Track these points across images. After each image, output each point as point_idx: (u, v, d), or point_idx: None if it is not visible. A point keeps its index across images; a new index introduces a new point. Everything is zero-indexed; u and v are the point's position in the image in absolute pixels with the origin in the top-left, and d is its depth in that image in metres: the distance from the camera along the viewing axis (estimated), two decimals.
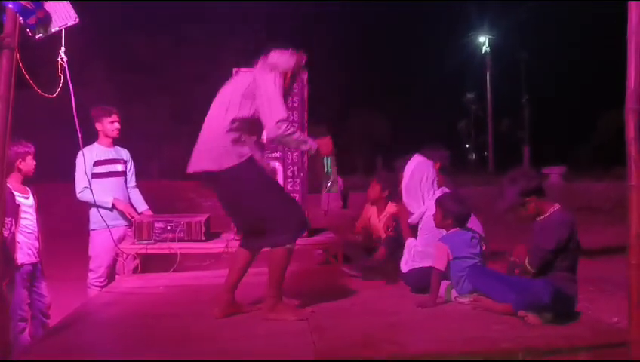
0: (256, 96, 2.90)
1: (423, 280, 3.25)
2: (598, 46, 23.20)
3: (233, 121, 2.89)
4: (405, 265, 3.53)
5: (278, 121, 2.81)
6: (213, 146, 2.92)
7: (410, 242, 3.60)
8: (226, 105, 2.96)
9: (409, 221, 3.65)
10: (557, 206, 2.93)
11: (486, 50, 28.95)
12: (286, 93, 3.10)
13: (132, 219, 4.49)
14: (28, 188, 3.90)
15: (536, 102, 27.40)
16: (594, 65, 25.18)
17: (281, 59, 3.02)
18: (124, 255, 4.24)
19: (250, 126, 2.93)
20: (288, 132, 2.85)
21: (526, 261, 2.86)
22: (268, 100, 2.86)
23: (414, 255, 3.49)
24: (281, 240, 2.86)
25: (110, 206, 4.45)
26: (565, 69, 26.60)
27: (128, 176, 4.74)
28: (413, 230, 3.67)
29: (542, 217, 2.94)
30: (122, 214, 4.55)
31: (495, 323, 2.73)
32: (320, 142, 3.08)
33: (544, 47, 26.69)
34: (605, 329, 2.72)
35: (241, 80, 3.06)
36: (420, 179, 3.57)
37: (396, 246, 3.87)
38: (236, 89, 2.99)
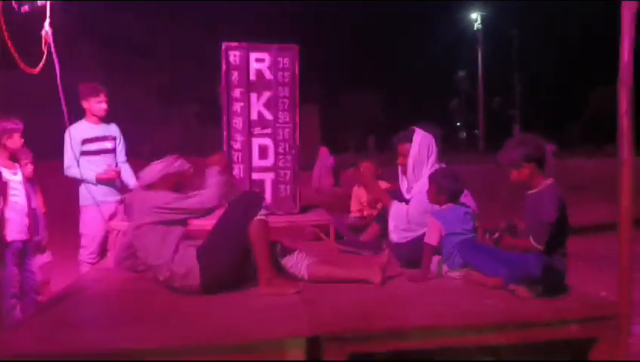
0: None
1: (417, 253, 3.26)
2: (590, 22, 23.16)
3: None
4: (396, 234, 3.53)
5: None
6: None
7: (399, 208, 3.58)
8: None
9: (408, 196, 3.65)
10: (550, 180, 2.93)
11: (478, 28, 28.78)
12: None
13: (123, 196, 4.46)
14: (16, 164, 3.86)
15: (528, 80, 27.40)
16: (586, 42, 25.15)
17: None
18: (115, 231, 4.22)
19: None
20: None
21: (531, 240, 2.83)
22: None
23: (409, 222, 3.49)
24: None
25: (94, 181, 4.42)
26: (557, 45, 26.58)
27: (118, 151, 4.70)
28: None
29: (534, 191, 2.93)
30: (112, 190, 4.52)
31: (486, 297, 2.74)
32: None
33: (536, 23, 26.60)
34: (594, 302, 2.75)
35: None
36: (427, 152, 3.58)
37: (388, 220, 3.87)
38: None
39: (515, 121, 26.26)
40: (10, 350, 2.22)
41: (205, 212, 3.07)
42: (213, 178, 3.17)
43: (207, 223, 3.18)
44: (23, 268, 3.83)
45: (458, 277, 3.07)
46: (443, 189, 3.26)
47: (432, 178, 3.32)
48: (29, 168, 4.14)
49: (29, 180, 4.15)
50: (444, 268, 3.16)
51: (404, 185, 3.75)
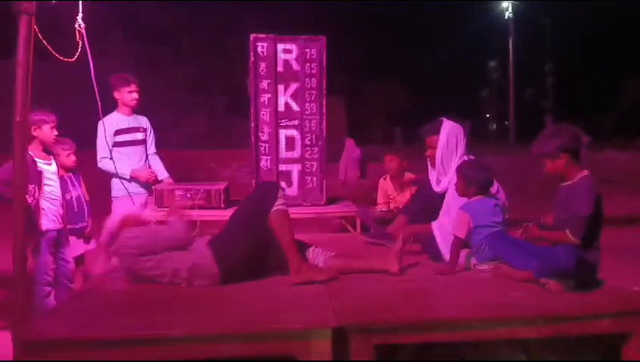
0: None
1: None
2: (625, 10, 22.47)
3: None
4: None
5: None
6: None
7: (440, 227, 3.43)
8: None
9: (438, 189, 3.60)
10: (586, 172, 2.86)
11: (509, 16, 28.19)
12: None
13: (153, 186, 4.54)
14: (50, 156, 3.95)
15: (561, 71, 26.77)
16: (619, 32, 24.44)
17: None
18: (149, 222, 4.29)
19: None
20: None
21: (568, 233, 2.77)
22: None
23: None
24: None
25: (129, 177, 4.50)
26: (590, 35, 25.88)
27: (148, 143, 4.79)
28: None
29: (569, 183, 2.86)
30: (143, 183, 4.61)
31: (515, 290, 2.70)
32: None
33: (569, 13, 25.91)
34: (628, 296, 2.68)
35: None
36: (455, 143, 3.52)
37: (415, 213, 3.84)
38: None
39: (546, 112, 25.73)
40: (43, 336, 2.29)
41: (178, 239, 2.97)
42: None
43: (227, 213, 3.19)
44: (57, 257, 3.94)
45: (487, 270, 3.03)
46: (471, 181, 3.20)
47: (459, 170, 3.27)
48: (72, 159, 4.25)
49: (71, 170, 4.27)
50: (473, 260, 3.12)
51: (433, 177, 3.70)
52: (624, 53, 24.38)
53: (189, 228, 3.19)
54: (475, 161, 3.40)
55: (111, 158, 4.34)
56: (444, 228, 3.34)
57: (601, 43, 25.86)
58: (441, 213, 3.48)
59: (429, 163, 3.73)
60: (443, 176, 3.57)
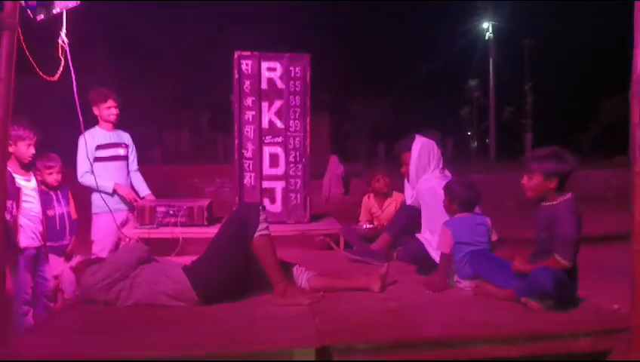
0: None
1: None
2: (602, 31, 23.05)
3: None
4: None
5: None
6: None
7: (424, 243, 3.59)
8: None
9: (410, 203, 3.66)
10: (569, 195, 2.88)
11: (489, 37, 28.73)
12: None
13: (134, 204, 4.50)
14: (30, 172, 3.89)
15: (539, 90, 27.28)
16: (598, 52, 25.02)
17: None
18: (127, 239, 4.25)
19: None
20: None
21: (557, 258, 2.77)
22: None
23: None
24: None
25: (111, 191, 4.47)
26: (568, 56, 26.46)
27: (130, 160, 4.76)
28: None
29: (550, 203, 2.88)
30: (124, 199, 4.57)
31: (496, 308, 2.73)
32: None
33: (548, 34, 26.52)
34: (607, 315, 2.73)
35: None
36: (427, 158, 3.58)
37: (399, 230, 3.87)
38: None
39: (526, 130, 26.13)
40: (22, 355, 2.24)
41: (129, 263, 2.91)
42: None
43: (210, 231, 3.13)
44: (36, 275, 3.86)
45: (468, 287, 3.06)
46: (454, 197, 3.24)
47: (446, 187, 3.31)
48: (54, 177, 4.19)
49: (56, 188, 4.21)
50: (455, 277, 3.15)
51: (408, 192, 3.76)
52: (601, 71, 24.93)
53: (142, 243, 3.20)
54: (462, 179, 3.44)
55: (92, 173, 4.30)
56: (428, 241, 3.47)
57: (580, 61, 26.45)
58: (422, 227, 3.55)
59: (405, 179, 3.79)
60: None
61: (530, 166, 2.92)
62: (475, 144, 32.20)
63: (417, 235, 3.59)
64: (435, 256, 3.40)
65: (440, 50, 28.26)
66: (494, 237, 3.24)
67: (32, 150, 3.79)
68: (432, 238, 3.44)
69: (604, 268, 5.60)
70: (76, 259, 2.97)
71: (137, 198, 4.62)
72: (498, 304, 2.79)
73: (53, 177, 4.20)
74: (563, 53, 26.70)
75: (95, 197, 4.49)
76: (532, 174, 2.90)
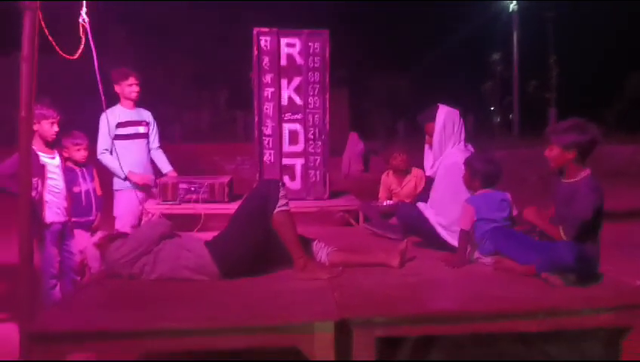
0: None
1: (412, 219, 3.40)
2: (628, 4, 22.34)
3: None
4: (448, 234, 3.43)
5: None
6: None
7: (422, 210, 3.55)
8: None
9: (430, 173, 3.62)
10: (588, 171, 2.86)
11: (513, 9, 28.04)
12: None
13: (152, 185, 4.57)
14: (54, 150, 3.97)
15: (564, 64, 26.64)
16: (624, 24, 24.29)
17: None
18: (150, 214, 4.33)
19: None
20: None
21: (560, 230, 2.78)
22: None
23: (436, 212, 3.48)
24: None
25: (123, 178, 4.52)
26: (594, 28, 25.73)
27: (151, 138, 4.82)
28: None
29: (571, 180, 2.86)
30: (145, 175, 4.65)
31: (516, 283, 2.73)
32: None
33: (573, 5, 25.76)
34: (628, 290, 2.70)
35: None
36: (452, 127, 3.53)
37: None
38: None
39: (550, 104, 25.62)
40: (49, 328, 2.32)
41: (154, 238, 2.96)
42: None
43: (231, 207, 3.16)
44: (62, 249, 3.97)
45: (489, 263, 3.05)
46: (476, 173, 3.21)
47: (467, 161, 3.28)
48: (82, 153, 4.28)
49: (83, 165, 4.30)
50: (476, 253, 3.14)
51: (428, 161, 3.70)
52: (628, 45, 24.26)
53: (165, 219, 3.26)
54: (483, 154, 3.40)
55: (112, 152, 4.38)
56: (429, 209, 3.48)
57: (605, 35, 25.72)
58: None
59: (426, 148, 3.73)
60: (437, 160, 3.58)
61: (550, 137, 2.94)
62: (498, 119, 31.71)
63: (419, 204, 3.58)
64: (445, 234, 3.37)
65: (462, 24, 27.69)
66: (514, 212, 3.21)
67: (56, 128, 3.86)
68: (442, 215, 3.42)
69: (627, 244, 5.54)
70: (98, 235, 3.03)
71: (151, 184, 4.67)
72: (518, 279, 2.78)
73: (81, 154, 4.28)
74: (588, 27, 25.94)
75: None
76: (552, 145, 2.92)
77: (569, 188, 2.86)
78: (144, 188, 4.64)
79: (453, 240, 3.29)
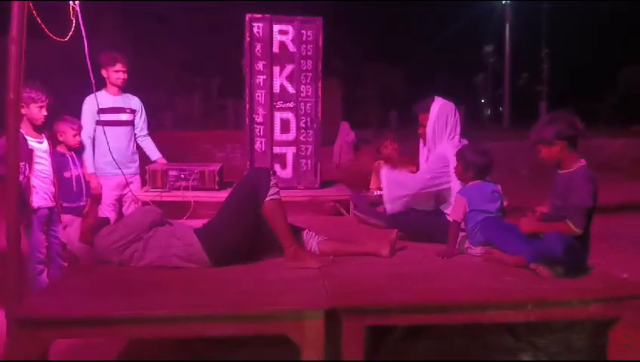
0: None
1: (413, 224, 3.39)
2: None
3: None
4: (390, 204, 3.53)
5: None
6: None
7: (390, 174, 3.59)
8: None
9: (422, 165, 3.63)
10: (583, 162, 2.87)
11: (506, 1, 28.05)
12: None
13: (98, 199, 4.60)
14: (42, 134, 3.92)
15: (557, 57, 26.73)
16: (616, 18, 24.38)
17: None
18: (137, 201, 4.31)
19: None
20: None
21: (569, 223, 2.76)
22: None
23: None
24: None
25: (88, 172, 4.50)
26: (587, 21, 25.81)
27: (139, 126, 4.77)
28: None
29: (566, 171, 2.87)
30: (125, 164, 4.55)
31: (506, 274, 2.74)
32: None
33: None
34: (616, 282, 2.72)
35: None
36: (445, 120, 3.53)
37: None
38: None
39: (541, 98, 25.73)
40: (37, 313, 2.29)
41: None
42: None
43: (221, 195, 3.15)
44: (49, 235, 3.93)
45: (479, 253, 3.06)
46: (469, 165, 3.21)
47: (459, 154, 3.28)
48: (77, 139, 4.24)
49: (73, 150, 4.26)
50: (466, 244, 3.15)
51: (423, 155, 3.71)
52: (620, 39, 24.38)
53: (155, 206, 3.28)
54: (475, 146, 3.40)
55: (94, 139, 4.36)
56: (395, 179, 3.54)
57: (598, 29, 25.82)
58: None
59: (421, 141, 3.74)
60: (432, 153, 3.58)
61: (533, 143, 2.96)
62: (489, 112, 31.82)
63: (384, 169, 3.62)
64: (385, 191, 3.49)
65: (455, 16, 27.67)
66: (505, 203, 3.23)
67: (44, 112, 3.81)
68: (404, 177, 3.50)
69: (616, 237, 5.58)
70: (75, 226, 2.99)
71: (100, 192, 4.61)
72: (508, 270, 2.79)
73: (77, 139, 4.25)
74: (581, 20, 26.02)
75: (95, 160, 4.55)
76: (538, 148, 2.94)
77: (565, 179, 2.87)
78: (127, 169, 4.56)
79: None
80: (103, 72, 4.58)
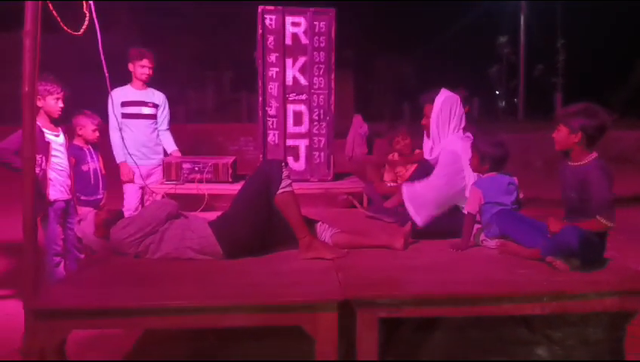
0: None
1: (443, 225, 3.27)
2: None
3: None
4: (419, 216, 3.31)
5: None
6: None
7: (411, 189, 3.41)
8: None
9: (430, 158, 3.58)
10: (595, 154, 2.81)
11: None
12: None
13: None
14: (59, 127, 3.95)
15: (572, 48, 26.34)
16: (634, 9, 23.96)
17: None
18: (152, 193, 4.34)
19: None
20: None
21: (602, 219, 2.70)
22: None
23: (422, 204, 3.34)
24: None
25: (117, 162, 4.70)
26: (602, 13, 25.41)
27: (160, 119, 4.90)
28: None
29: (579, 164, 2.82)
30: (147, 155, 4.71)
31: (521, 267, 2.71)
32: None
33: None
34: (633, 275, 2.69)
35: None
36: (448, 112, 3.48)
37: None
38: None
39: (556, 89, 25.40)
40: (53, 304, 2.32)
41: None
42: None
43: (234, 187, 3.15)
44: (66, 227, 3.97)
45: (494, 246, 3.03)
46: (485, 157, 3.17)
47: (474, 146, 3.24)
48: (96, 134, 4.29)
49: (92, 145, 4.32)
50: (482, 236, 3.13)
51: (427, 146, 3.68)
52: (635, 30, 23.96)
53: (171, 199, 3.32)
54: (490, 137, 3.36)
55: (120, 129, 4.41)
56: (415, 192, 3.35)
57: (613, 19, 25.40)
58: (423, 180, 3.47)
59: (425, 132, 3.71)
60: (436, 145, 3.54)
61: (559, 118, 2.89)
62: (504, 103, 31.49)
63: (403, 186, 3.51)
64: (410, 209, 3.32)
65: (469, 6, 27.37)
66: (520, 195, 3.19)
67: (61, 104, 3.84)
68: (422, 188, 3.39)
69: (632, 229, 5.52)
70: (89, 219, 3.02)
71: (132, 181, 4.72)
72: (523, 263, 2.77)
73: (96, 134, 4.31)
74: (597, 10, 25.59)
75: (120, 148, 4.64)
76: (560, 126, 2.87)
77: (577, 171, 2.81)
78: (152, 158, 4.81)
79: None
80: (130, 66, 4.77)
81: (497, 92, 31.83)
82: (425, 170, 3.70)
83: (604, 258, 2.79)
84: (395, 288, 2.48)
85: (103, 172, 4.47)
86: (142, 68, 4.73)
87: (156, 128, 4.90)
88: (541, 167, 10.78)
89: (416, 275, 2.64)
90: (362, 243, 3.10)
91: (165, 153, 4.98)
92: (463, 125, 3.53)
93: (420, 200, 3.31)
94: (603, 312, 2.60)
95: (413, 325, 2.96)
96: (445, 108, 3.48)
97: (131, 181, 4.72)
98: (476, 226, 3.15)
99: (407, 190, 3.39)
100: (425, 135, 3.73)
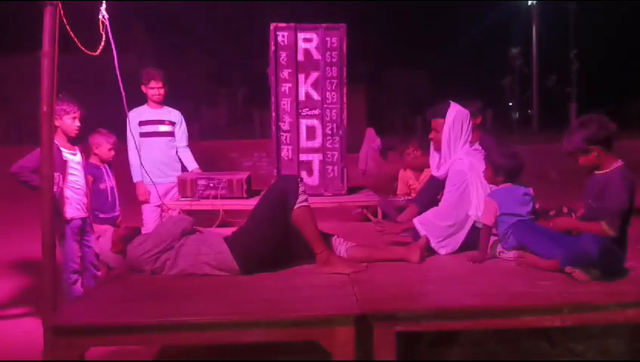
0: None
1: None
2: None
3: None
4: (443, 249, 3.22)
5: None
6: None
7: (424, 221, 3.28)
8: None
9: (438, 174, 3.52)
10: (620, 162, 2.79)
11: (532, 2, 27.66)
12: None
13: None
14: (76, 146, 4.01)
15: (585, 57, 26.21)
16: None
17: None
18: (168, 209, 4.37)
19: None
20: None
21: (604, 225, 2.70)
22: None
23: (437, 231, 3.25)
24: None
25: (134, 181, 4.79)
26: (616, 21, 25.27)
27: (178, 136, 4.96)
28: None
29: (603, 172, 2.79)
30: (166, 173, 4.77)
31: (540, 278, 2.68)
32: None
33: None
34: None
35: None
36: (460, 128, 3.43)
37: (427, 202, 3.74)
38: None
39: (570, 99, 25.24)
40: (72, 321, 2.34)
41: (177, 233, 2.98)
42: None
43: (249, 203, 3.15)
44: (83, 245, 4.01)
45: (512, 258, 3.00)
46: (500, 169, 3.14)
47: (488, 158, 3.22)
48: (112, 153, 4.36)
49: (108, 163, 4.38)
50: (499, 248, 3.10)
51: (434, 161, 3.61)
52: None
53: (186, 215, 3.31)
54: (503, 148, 3.33)
55: (137, 149, 4.47)
56: (429, 223, 3.24)
57: (627, 29, 25.24)
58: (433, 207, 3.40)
59: (431, 146, 3.64)
60: (446, 160, 3.49)
61: (569, 152, 2.87)
62: (517, 114, 31.31)
63: (414, 220, 3.40)
64: (431, 239, 3.23)
65: (481, 18, 27.41)
66: (537, 206, 3.16)
67: (78, 123, 3.91)
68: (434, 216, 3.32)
69: None
70: (107, 236, 3.04)
71: (148, 201, 4.82)
72: (542, 274, 2.73)
73: (112, 153, 4.37)
74: (610, 18, 25.49)
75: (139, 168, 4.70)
76: (575, 156, 2.85)
77: (601, 180, 2.78)
78: (168, 177, 4.84)
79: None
80: (143, 88, 4.91)
81: (511, 103, 31.70)
82: (435, 183, 3.68)
83: (624, 268, 2.75)
84: (412, 301, 2.46)
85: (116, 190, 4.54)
86: (152, 89, 4.87)
87: (174, 146, 4.99)
88: (557, 177, 10.67)
89: (434, 288, 2.62)
90: (378, 257, 3.09)
91: (185, 171, 5.03)
92: (469, 139, 3.49)
93: (437, 231, 3.24)
94: (624, 323, 2.55)
95: (430, 339, 2.93)
96: (457, 124, 3.42)
97: (147, 201, 4.77)
98: (493, 238, 3.12)
99: (421, 221, 3.29)
100: (432, 148, 3.67)
